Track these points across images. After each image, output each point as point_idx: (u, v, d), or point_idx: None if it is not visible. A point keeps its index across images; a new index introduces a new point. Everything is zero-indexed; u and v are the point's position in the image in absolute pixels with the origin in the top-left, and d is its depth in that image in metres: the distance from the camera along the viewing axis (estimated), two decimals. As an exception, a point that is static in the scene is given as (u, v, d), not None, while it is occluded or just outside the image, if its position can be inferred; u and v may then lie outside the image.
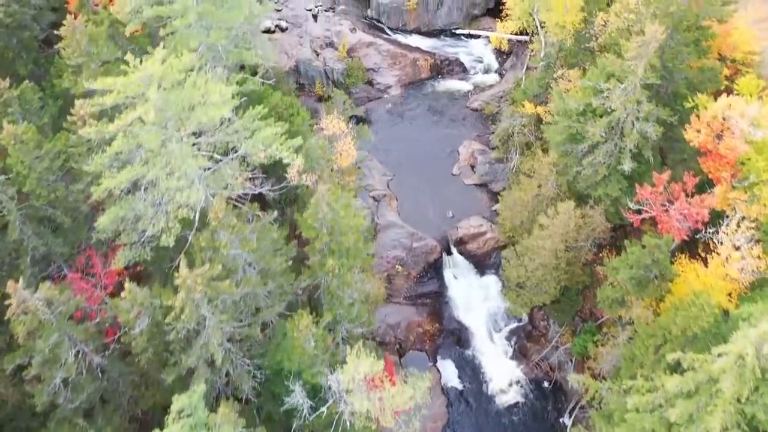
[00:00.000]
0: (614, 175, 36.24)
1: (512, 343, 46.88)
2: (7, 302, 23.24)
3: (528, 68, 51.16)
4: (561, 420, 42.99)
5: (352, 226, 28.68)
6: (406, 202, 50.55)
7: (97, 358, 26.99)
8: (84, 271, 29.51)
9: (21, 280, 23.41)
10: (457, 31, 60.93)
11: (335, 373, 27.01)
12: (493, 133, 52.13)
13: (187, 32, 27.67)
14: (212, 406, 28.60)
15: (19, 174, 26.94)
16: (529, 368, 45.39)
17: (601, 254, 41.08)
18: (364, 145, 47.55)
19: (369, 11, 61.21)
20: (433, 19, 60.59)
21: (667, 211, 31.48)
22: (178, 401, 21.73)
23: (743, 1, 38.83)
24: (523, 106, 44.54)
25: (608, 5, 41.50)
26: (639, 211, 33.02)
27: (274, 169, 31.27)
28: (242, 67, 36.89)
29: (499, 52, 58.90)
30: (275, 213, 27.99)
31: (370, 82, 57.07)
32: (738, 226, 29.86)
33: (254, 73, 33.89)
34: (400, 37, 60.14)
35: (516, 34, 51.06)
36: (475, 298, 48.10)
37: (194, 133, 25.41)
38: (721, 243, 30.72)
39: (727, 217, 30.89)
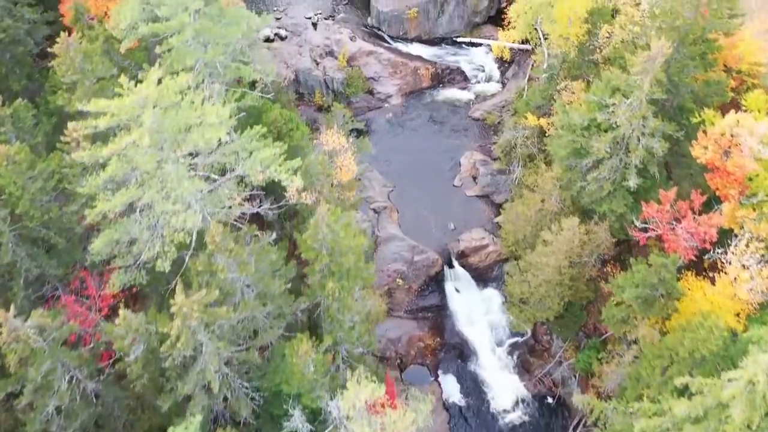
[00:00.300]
0: (619, 190, 35.62)
1: (515, 357, 46.19)
2: (-2, 329, 22.60)
3: (530, 78, 50.51)
4: (565, 437, 42.41)
5: (352, 246, 28.04)
6: (407, 214, 49.90)
7: (91, 383, 26.33)
8: (78, 293, 28.85)
9: (12, 307, 22.75)
10: (459, 40, 60.28)
11: (335, 399, 26.37)
12: (495, 143, 51.56)
13: (183, 49, 27.04)
14: (210, 430, 28.06)
15: (11, 195, 26.30)
16: (532, 383, 44.70)
17: (605, 269, 40.51)
18: (365, 157, 46.93)
19: (369, 19, 60.58)
20: (434, 28, 59.95)
21: (673, 229, 30.84)
22: (175, 432, 21.12)
23: (749, 13, 38.31)
24: (526, 118, 43.90)
25: (612, 17, 40.90)
26: (645, 229, 32.38)
27: (273, 187, 30.64)
28: (240, 80, 36.30)
29: (500, 61, 58.23)
30: (274, 234, 27.34)
31: (370, 92, 56.44)
32: (747, 246, 29.21)
33: (253, 85, 33.22)
34: (401, 46, 59.49)
35: (518, 42, 50.32)
36: (476, 312, 47.44)
37: (190, 154, 24.76)
38: (729, 263, 30.08)
39: (736, 236, 30.25)
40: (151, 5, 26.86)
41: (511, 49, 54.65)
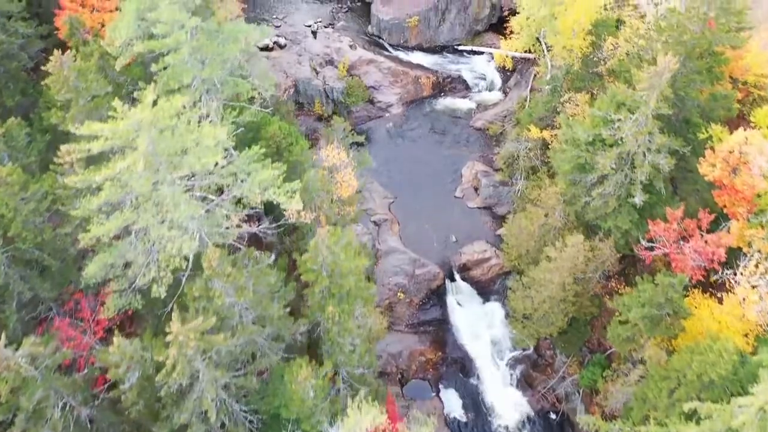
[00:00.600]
0: (625, 206, 34.96)
1: (517, 372, 45.57)
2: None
3: (533, 89, 49.85)
4: (569, 455, 41.78)
5: (352, 268, 27.39)
6: (408, 226, 49.27)
7: (85, 410, 25.65)
8: (72, 315, 28.20)
9: (3, 335, 22.09)
10: (460, 48, 59.66)
11: (335, 425, 25.73)
12: (497, 153, 50.96)
13: (180, 67, 26.39)
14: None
15: (3, 217, 25.63)
16: (535, 399, 44.07)
17: (609, 284, 39.90)
18: (366, 168, 46.32)
19: (369, 27, 59.93)
20: (435, 36, 59.32)
21: (681, 248, 30.19)
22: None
23: (756, 24, 37.71)
24: (529, 130, 43.25)
25: (617, 28, 40.27)
26: (651, 248, 31.73)
27: (272, 206, 29.96)
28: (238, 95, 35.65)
29: (502, 70, 57.55)
30: (273, 256, 26.67)
31: (370, 101, 55.80)
32: (756, 267, 28.56)
33: (251, 100, 32.53)
34: (402, 54, 58.85)
35: (521, 51, 49.63)
36: (479, 326, 46.82)
37: (187, 176, 24.10)
38: (738, 283, 29.44)
39: (744, 255, 29.60)
40: (146, 22, 26.21)
41: (513, 57, 54.01)
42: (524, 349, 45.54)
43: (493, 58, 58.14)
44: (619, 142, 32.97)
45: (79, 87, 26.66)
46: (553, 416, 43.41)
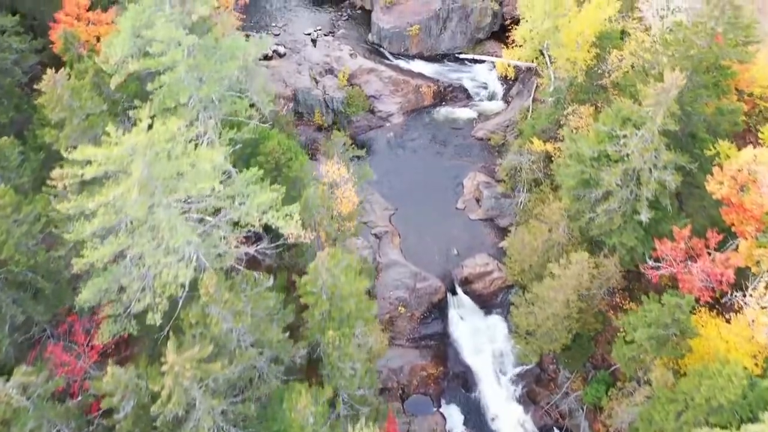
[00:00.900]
0: (630, 223, 34.34)
1: (520, 387, 44.95)
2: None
3: (535, 99, 49.20)
4: (573, 473, 41.16)
5: (353, 291, 26.77)
6: (409, 238, 48.60)
7: (79, 438, 25.08)
8: (67, 338, 27.56)
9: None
10: (461, 56, 58.94)
11: (336, 454, 25.13)
12: (499, 164, 50.27)
13: (176, 86, 25.75)
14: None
15: (-5, 239, 25.01)
16: (538, 415, 43.45)
17: (614, 300, 39.30)
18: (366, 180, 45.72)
19: (370, 36, 59.28)
20: (436, 44, 58.67)
21: (688, 268, 29.54)
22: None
23: (763, 37, 37.10)
24: (531, 142, 42.61)
25: (621, 39, 39.64)
26: (658, 267, 31.09)
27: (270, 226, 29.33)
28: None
29: (504, 78, 56.83)
30: (271, 279, 26.02)
31: (371, 110, 55.11)
32: (766, 288, 27.92)
33: (249, 115, 31.86)
34: (402, 63, 58.18)
35: (523, 60, 48.95)
36: (481, 340, 46.19)
37: (183, 199, 23.47)
38: (747, 304, 28.82)
39: (754, 276, 28.96)
40: (142, 39, 25.58)
41: (515, 67, 53.38)
42: (527, 363, 44.94)
43: (494, 66, 57.49)
44: (625, 159, 32.35)
45: (74, 106, 26.04)
46: (556, 432, 42.86)
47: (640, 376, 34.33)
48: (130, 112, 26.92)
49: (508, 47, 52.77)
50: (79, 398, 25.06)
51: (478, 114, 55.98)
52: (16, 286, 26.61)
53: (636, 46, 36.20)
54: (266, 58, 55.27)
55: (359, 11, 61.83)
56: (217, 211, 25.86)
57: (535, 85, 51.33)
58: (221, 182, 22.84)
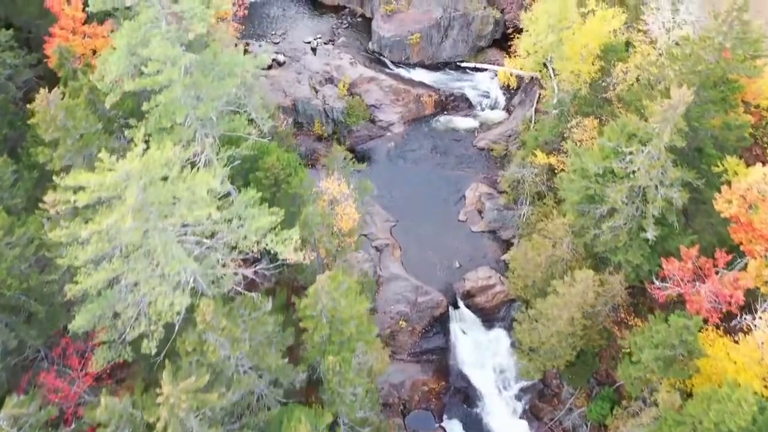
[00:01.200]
0: (636, 240, 33.68)
1: (523, 402, 44.33)
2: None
3: (538, 110, 48.57)
4: (577, 491, 40.51)
5: (353, 314, 26.13)
6: (410, 251, 47.98)
7: (73, 467, 24.47)
8: (60, 363, 26.92)
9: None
10: (463, 65, 58.31)
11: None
12: (501, 174, 49.59)
13: (172, 105, 25.11)
14: None
15: (-13, 263, 24.39)
16: (542, 431, 42.79)
17: (619, 315, 38.65)
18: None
19: (370, 44, 58.64)
20: (437, 52, 58.05)
21: (697, 289, 28.89)
22: None
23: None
24: (535, 155, 41.95)
25: (626, 50, 38.99)
26: (665, 287, 30.45)
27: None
28: (236, 113, 34.33)
29: (506, 87, 56.15)
30: (270, 304, 25.37)
31: (371, 120, 54.47)
32: (776, 311, 27.34)
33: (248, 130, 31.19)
34: (403, 72, 57.54)
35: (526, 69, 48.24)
36: (483, 354, 45.59)
37: (179, 224, 22.82)
38: (756, 327, 28.18)
39: (764, 298, 28.31)
40: (138, 57, 24.93)
41: (517, 76, 52.74)
42: (530, 379, 44.30)
43: (496, 74, 56.84)
44: (631, 176, 31.71)
45: (68, 125, 25.40)
46: (560, 449, 42.19)
47: (646, 396, 33.68)
48: (127, 132, 26.37)
49: (510, 56, 52.20)
50: (73, 426, 24.42)
51: (479, 123, 55.37)
52: (8, 310, 25.97)
53: (641, 59, 35.53)
54: (266, 67, 54.57)
55: (359, 19, 61.21)
56: (214, 234, 25.22)
57: (537, 95, 50.68)
58: (219, 205, 22.21)
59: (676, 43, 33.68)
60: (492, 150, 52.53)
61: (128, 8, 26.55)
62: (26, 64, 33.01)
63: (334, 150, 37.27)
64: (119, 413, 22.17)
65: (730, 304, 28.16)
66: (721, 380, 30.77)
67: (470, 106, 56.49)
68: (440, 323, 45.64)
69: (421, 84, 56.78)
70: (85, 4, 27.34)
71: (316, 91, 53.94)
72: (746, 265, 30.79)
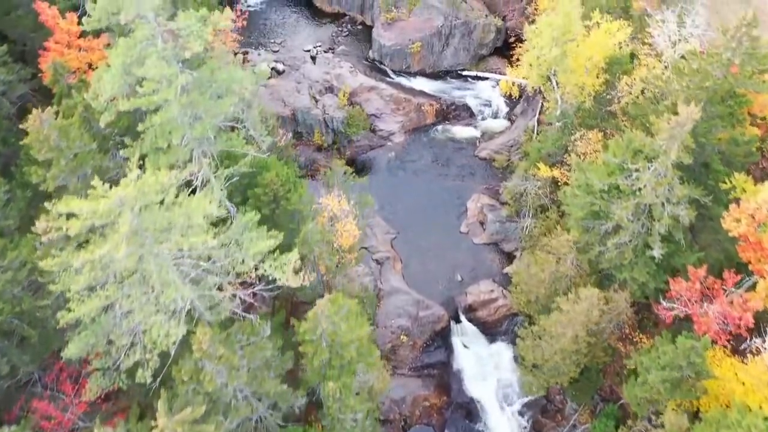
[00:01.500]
0: (641, 258, 33.06)
1: (526, 418, 43.66)
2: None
3: (540, 122, 47.91)
4: None
5: (354, 338, 25.50)
6: (412, 264, 47.31)
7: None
8: (54, 388, 26.29)
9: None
10: (464, 73, 57.67)
11: None
12: (503, 186, 48.93)
13: (168, 125, 24.49)
14: None
15: (-22, 288, 23.75)
16: (545, 448, 42.18)
17: (623, 331, 38.04)
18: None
19: (370, 53, 57.98)
20: (439, 61, 57.40)
21: (705, 311, 28.26)
22: None
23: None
24: (538, 168, 41.31)
25: (630, 61, 38.35)
26: (672, 308, 29.83)
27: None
28: (233, 129, 33.72)
29: (508, 96, 55.48)
30: (268, 329, 24.74)
31: (372, 129, 53.79)
32: (787, 334, 26.70)
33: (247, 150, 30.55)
34: (404, 80, 56.86)
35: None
36: (485, 368, 44.91)
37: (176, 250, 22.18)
38: (766, 349, 27.57)
39: (773, 320, 27.75)
40: (133, 76, 24.30)
41: (519, 85, 52.11)
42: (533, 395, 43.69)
43: (498, 83, 56.20)
44: (637, 193, 31.09)
45: (61, 146, 24.77)
46: (563, 467, 41.56)
47: (652, 417, 33.06)
48: (121, 151, 25.76)
49: (512, 64, 51.60)
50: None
51: (481, 133, 54.70)
52: (0, 334, 25.33)
53: (647, 72, 34.90)
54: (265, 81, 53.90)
55: (360, 27, 60.57)
56: (211, 257, 24.58)
57: (540, 104, 50.03)
58: (215, 232, 21.59)
59: (683, 57, 33.02)
60: (494, 160, 51.91)
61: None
62: (20, 79, 32.38)
63: (335, 164, 36.62)
64: (114, 445, 21.57)
65: (739, 326, 27.51)
66: (729, 401, 30.21)
67: (472, 115, 55.84)
68: (441, 337, 45.00)
69: (422, 93, 56.12)
70: (81, 18, 26.82)
71: (316, 101, 53.30)
72: (755, 284, 30.20)
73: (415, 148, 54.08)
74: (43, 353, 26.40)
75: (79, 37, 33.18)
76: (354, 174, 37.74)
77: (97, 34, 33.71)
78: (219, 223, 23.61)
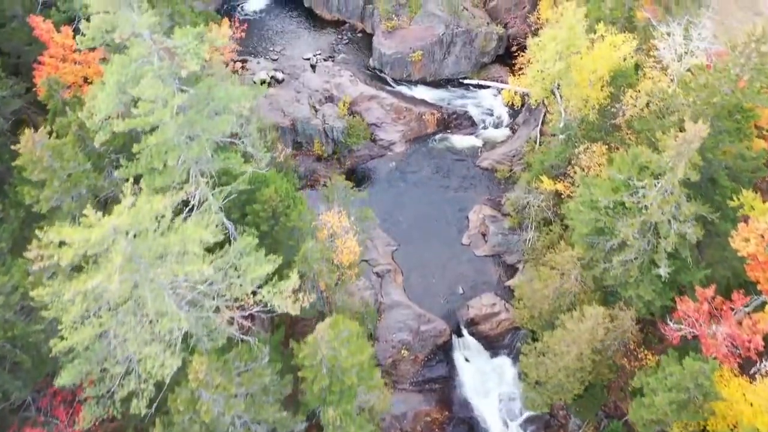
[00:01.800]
0: (647, 275, 32.45)
1: (528, 433, 43.10)
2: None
3: (543, 132, 47.30)
4: None
5: (355, 363, 24.88)
6: (413, 277, 46.69)
7: None
8: (48, 412, 25.68)
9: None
10: (466, 81, 57.08)
11: None
12: (506, 197, 48.33)
13: (164, 146, 23.89)
14: None
15: (-31, 313, 23.15)
16: (548, 464, 41.59)
17: (628, 347, 37.43)
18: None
19: (371, 61, 57.37)
20: (440, 69, 56.81)
21: (713, 332, 27.66)
22: None
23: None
24: (541, 180, 40.70)
25: (635, 73, 37.75)
26: (680, 329, 29.23)
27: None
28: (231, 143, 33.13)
29: (510, 105, 54.90)
30: (267, 355, 24.13)
31: (372, 139, 53.22)
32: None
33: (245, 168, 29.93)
34: (405, 89, 56.26)
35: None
36: (487, 383, 44.34)
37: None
38: (776, 371, 27.01)
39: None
40: (128, 95, 23.70)
41: (522, 94, 51.53)
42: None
43: (500, 91, 55.64)
44: (643, 210, 30.49)
45: (55, 166, 24.17)
46: (567, 484, 40.97)
47: (657, 436, 32.48)
48: (116, 172, 25.16)
49: (514, 73, 51.04)
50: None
51: (483, 142, 54.10)
52: (-8, 359, 24.76)
53: (652, 85, 34.31)
54: (263, 83, 53.33)
55: (360, 35, 59.98)
56: (207, 280, 23.97)
57: (542, 114, 49.45)
58: (212, 259, 21.00)
59: (689, 71, 32.43)
60: (496, 170, 51.32)
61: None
62: (15, 93, 31.75)
63: (335, 178, 35.98)
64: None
65: (749, 349, 26.91)
66: (737, 422, 29.62)
67: (473, 124, 55.24)
68: (443, 351, 44.40)
69: (423, 102, 55.54)
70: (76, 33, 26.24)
71: (316, 110, 52.69)
72: (764, 304, 29.63)
73: (415, 157, 53.49)
74: (37, 378, 25.79)
75: (74, 51, 32.55)
76: (354, 187, 37.09)
77: (92, 47, 33.09)
78: (216, 247, 22.95)
